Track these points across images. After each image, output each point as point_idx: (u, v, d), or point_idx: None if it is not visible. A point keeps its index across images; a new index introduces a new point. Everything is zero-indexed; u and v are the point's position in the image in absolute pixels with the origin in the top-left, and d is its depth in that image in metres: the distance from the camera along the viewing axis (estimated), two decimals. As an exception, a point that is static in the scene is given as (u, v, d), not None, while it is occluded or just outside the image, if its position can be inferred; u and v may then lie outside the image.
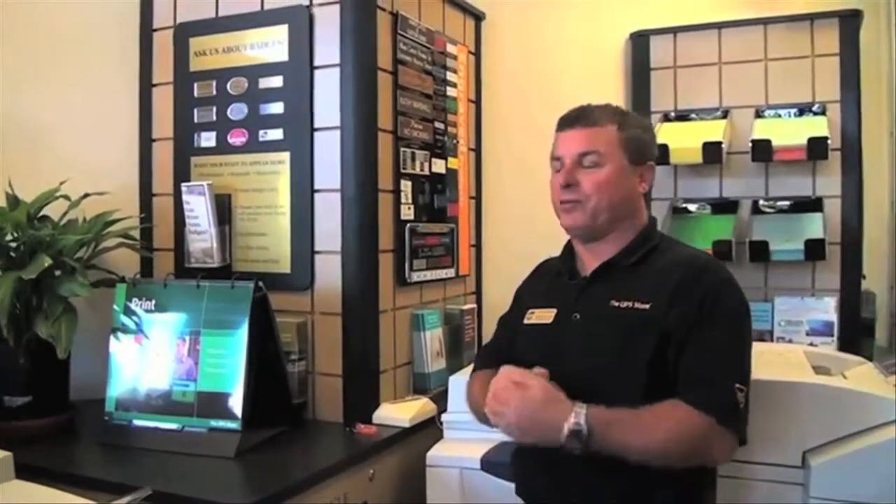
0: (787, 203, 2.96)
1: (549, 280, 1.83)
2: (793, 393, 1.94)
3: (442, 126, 2.69)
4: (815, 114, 2.92)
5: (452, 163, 2.76)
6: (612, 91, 3.25)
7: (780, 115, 2.98)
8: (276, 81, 2.34)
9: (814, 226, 2.85)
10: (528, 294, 1.88)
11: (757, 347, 2.42)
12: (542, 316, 1.73)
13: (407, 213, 2.48)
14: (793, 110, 2.96)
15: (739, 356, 1.58)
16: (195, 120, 2.47)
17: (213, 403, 2.03)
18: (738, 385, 1.52)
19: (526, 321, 1.76)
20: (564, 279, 1.76)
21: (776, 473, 1.95)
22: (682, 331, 1.55)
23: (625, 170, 1.68)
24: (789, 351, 2.35)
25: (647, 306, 1.58)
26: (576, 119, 1.71)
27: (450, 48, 2.75)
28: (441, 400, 2.33)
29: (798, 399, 1.94)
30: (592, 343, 1.63)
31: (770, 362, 2.15)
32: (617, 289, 1.64)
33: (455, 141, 2.79)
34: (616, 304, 1.62)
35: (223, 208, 2.38)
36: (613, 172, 1.67)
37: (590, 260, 1.73)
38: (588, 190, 1.68)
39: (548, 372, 1.60)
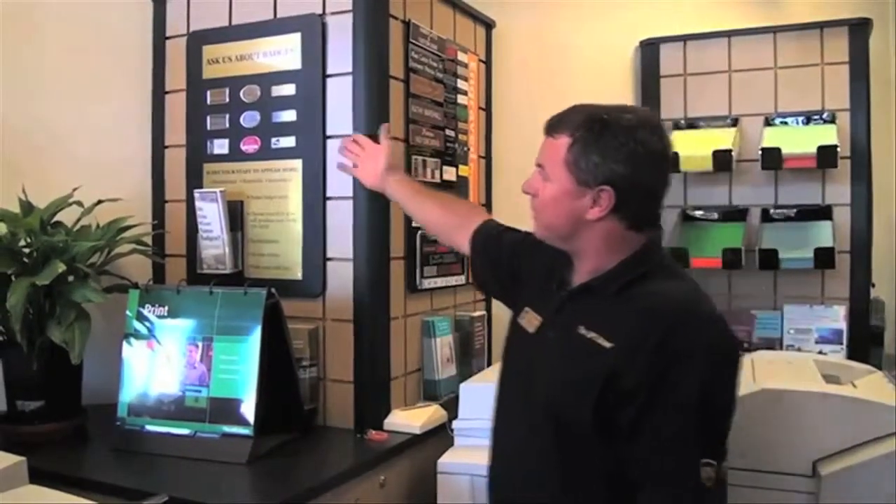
0: (797, 211, 2.96)
1: (547, 276, 1.69)
2: (803, 402, 1.95)
3: (453, 134, 2.70)
4: (825, 122, 2.93)
5: (463, 170, 2.77)
6: (621, 99, 3.22)
7: (788, 123, 2.99)
8: (289, 89, 2.35)
9: (823, 234, 2.86)
10: (538, 277, 1.73)
11: (767, 356, 2.45)
12: (530, 321, 1.65)
13: (418, 220, 2.48)
14: (802, 118, 2.96)
15: (705, 429, 1.40)
16: (208, 127, 2.48)
17: (225, 409, 2.04)
18: (705, 461, 1.36)
19: (519, 319, 1.69)
20: (554, 285, 1.65)
21: (786, 482, 1.96)
22: (640, 398, 1.39)
23: (568, 191, 1.51)
24: (799, 359, 2.35)
25: (610, 345, 1.44)
26: (547, 125, 1.58)
27: (461, 56, 2.76)
28: (451, 407, 2.33)
29: (808, 408, 1.94)
30: (554, 368, 1.55)
31: (780, 371, 2.16)
32: (590, 315, 1.51)
33: (466, 148, 2.80)
34: (584, 332, 1.49)
35: (235, 215, 2.39)
36: (552, 191, 1.54)
37: (576, 272, 1.61)
38: (535, 204, 1.62)
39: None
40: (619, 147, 1.46)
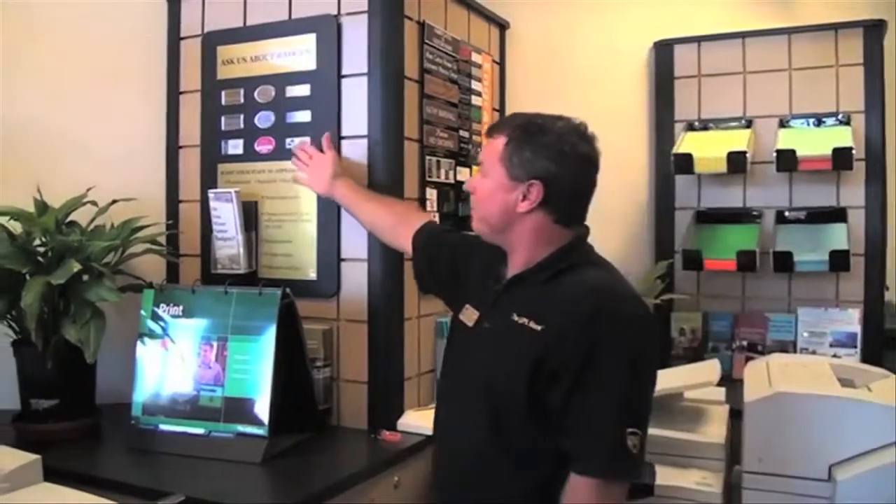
0: (811, 213, 2.95)
1: (485, 274, 1.79)
2: (819, 406, 1.95)
3: (466, 135, 2.70)
4: (840, 123, 2.92)
5: (476, 171, 2.77)
6: (635, 100, 3.26)
7: (803, 125, 2.98)
8: (304, 90, 2.35)
9: (838, 236, 2.85)
10: (476, 275, 1.83)
11: (781, 359, 2.44)
12: (469, 316, 1.75)
13: (432, 221, 2.48)
14: (817, 120, 2.95)
15: (630, 402, 1.50)
16: (222, 127, 2.48)
17: (239, 409, 2.04)
18: (630, 430, 1.47)
19: (459, 316, 1.79)
20: (491, 282, 1.75)
21: (802, 487, 1.95)
22: (569, 378, 1.50)
23: (502, 185, 1.64)
24: (815, 363, 2.35)
25: (540, 328, 1.56)
26: (489, 128, 1.77)
27: (475, 57, 2.76)
28: (464, 408, 2.34)
29: (825, 412, 1.94)
30: (491, 354, 1.65)
31: (795, 374, 2.15)
32: (523, 303, 1.62)
33: (479, 149, 2.80)
34: (517, 318, 1.60)
35: (250, 215, 2.39)
36: (488, 186, 1.67)
37: (510, 266, 1.71)
38: (474, 199, 1.75)
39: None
40: (549, 146, 1.61)
